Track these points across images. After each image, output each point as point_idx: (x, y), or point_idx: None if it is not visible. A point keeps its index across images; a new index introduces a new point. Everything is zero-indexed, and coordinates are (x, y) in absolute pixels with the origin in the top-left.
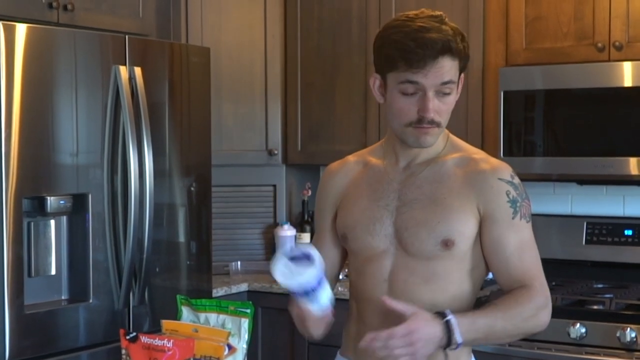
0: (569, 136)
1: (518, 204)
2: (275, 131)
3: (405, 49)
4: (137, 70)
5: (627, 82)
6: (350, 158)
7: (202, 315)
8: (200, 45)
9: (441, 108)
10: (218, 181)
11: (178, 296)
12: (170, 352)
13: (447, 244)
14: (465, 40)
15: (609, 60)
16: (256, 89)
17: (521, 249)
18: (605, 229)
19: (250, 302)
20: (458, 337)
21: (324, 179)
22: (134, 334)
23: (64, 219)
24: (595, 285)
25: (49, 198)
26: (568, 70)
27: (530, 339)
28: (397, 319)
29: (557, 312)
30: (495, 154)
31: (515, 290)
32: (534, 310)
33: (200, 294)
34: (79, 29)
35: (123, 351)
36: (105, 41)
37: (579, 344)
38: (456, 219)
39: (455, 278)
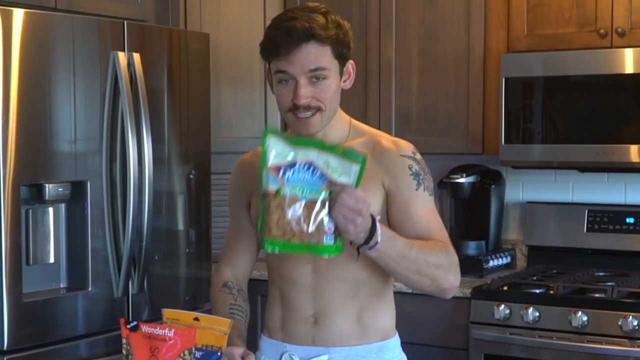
0: (571, 123)
1: (421, 177)
2: (275, 118)
3: (271, 39)
4: (136, 56)
5: (629, 68)
6: (260, 149)
7: (300, 151)
8: (199, 31)
9: (318, 94)
10: (217, 168)
11: (266, 128)
12: (171, 342)
13: None
14: (342, 29)
15: (611, 47)
16: (255, 76)
17: (427, 217)
18: (607, 217)
19: (365, 156)
20: (379, 236)
21: (236, 170)
22: (135, 323)
23: (63, 206)
24: (596, 274)
25: (47, 185)
26: (570, 57)
27: (531, 327)
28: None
29: (558, 300)
30: (496, 141)
31: (432, 241)
32: (449, 262)
33: (200, 282)
34: (77, 14)
35: (124, 340)
36: (104, 27)
37: (580, 332)
38: None
39: None
